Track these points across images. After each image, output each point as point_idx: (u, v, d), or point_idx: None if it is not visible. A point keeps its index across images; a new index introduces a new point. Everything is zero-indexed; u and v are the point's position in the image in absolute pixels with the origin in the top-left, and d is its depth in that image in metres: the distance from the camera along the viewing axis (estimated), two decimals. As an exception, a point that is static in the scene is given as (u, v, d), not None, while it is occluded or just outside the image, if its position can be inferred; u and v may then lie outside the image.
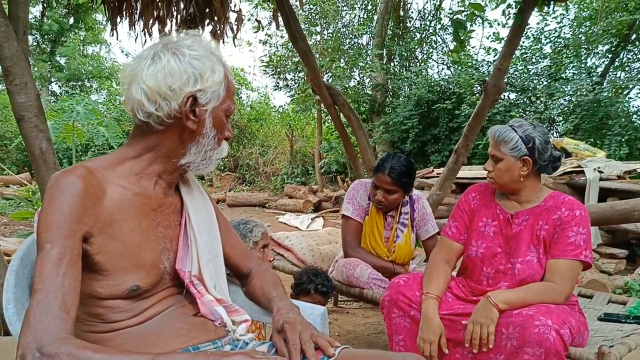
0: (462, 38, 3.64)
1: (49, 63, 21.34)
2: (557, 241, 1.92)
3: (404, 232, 2.83)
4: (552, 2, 3.47)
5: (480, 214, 2.13)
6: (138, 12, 3.68)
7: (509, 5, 10.59)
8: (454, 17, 3.53)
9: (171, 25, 3.79)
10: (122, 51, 22.60)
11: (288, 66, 13.21)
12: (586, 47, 11.15)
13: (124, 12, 3.66)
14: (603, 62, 11.32)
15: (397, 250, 2.82)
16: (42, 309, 0.98)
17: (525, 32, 11.39)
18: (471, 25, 3.59)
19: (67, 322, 0.99)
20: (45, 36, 21.23)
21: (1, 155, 16.22)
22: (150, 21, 3.66)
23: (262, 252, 2.24)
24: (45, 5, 3.55)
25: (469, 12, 3.60)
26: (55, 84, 22.81)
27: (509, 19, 11.43)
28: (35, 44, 21.11)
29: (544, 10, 10.51)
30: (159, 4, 3.66)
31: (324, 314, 1.51)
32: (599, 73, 10.55)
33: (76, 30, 22.25)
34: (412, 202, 2.89)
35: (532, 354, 1.65)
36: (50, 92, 22.03)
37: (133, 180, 1.22)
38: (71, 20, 21.09)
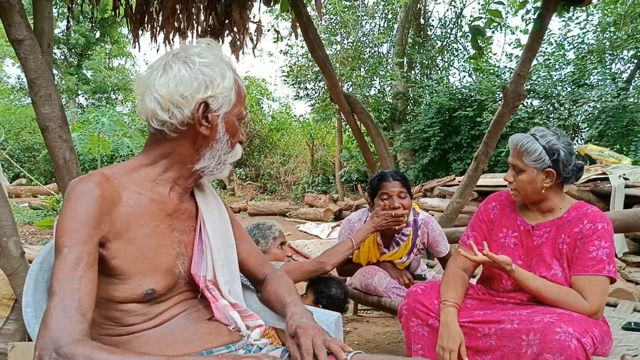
0: (480, 45, 3.63)
1: (76, 76, 21.88)
2: (578, 256, 1.86)
3: (394, 249, 2.77)
4: (571, 7, 3.43)
5: (500, 225, 2.08)
6: (159, 24, 3.76)
7: (528, 11, 10.52)
8: (472, 24, 3.52)
9: (192, 37, 3.86)
10: (147, 63, 22.99)
11: (308, 76, 13.29)
12: (610, 52, 10.96)
13: (146, 25, 3.73)
14: (628, 67, 11.12)
15: (382, 258, 2.80)
16: (59, 311, 1.00)
17: (547, 38, 11.27)
18: (493, 32, 3.58)
19: (83, 324, 1.01)
20: (73, 50, 21.79)
21: (30, 167, 16.63)
22: (171, 33, 3.73)
23: (281, 248, 2.26)
24: (69, 19, 3.65)
25: (487, 19, 3.59)
26: (82, 96, 23.37)
27: (528, 24, 11.34)
28: (62, 57, 21.67)
29: (566, 16, 10.38)
30: (180, 16, 3.73)
31: (338, 320, 1.51)
32: (624, 79, 10.35)
33: (102, 44, 22.79)
34: (415, 225, 2.78)
35: None
36: (77, 105, 22.55)
37: (149, 187, 1.24)
38: (97, 34, 21.61)
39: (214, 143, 1.25)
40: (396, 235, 2.77)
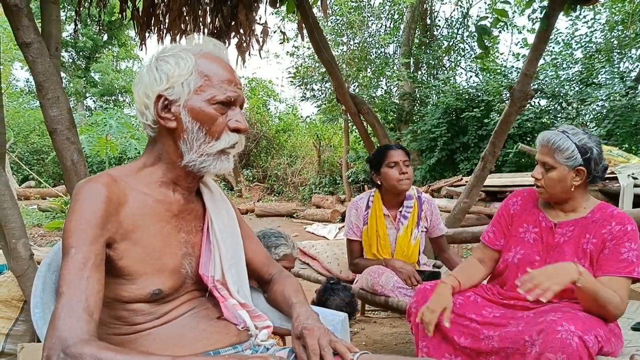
0: (487, 44, 3.62)
1: (84, 79, 22.02)
2: (608, 257, 1.84)
3: (404, 224, 2.86)
4: (578, 6, 3.41)
5: (520, 220, 2.07)
6: (166, 27, 3.77)
7: (535, 10, 10.48)
8: (478, 24, 3.51)
9: (198, 39, 3.86)
10: (154, 66, 23.09)
11: (315, 77, 13.31)
12: (619, 51, 10.90)
13: (153, 27, 3.75)
14: (637, 66, 11.03)
15: (397, 242, 2.84)
16: (66, 311, 1.00)
17: (555, 38, 11.21)
18: (500, 32, 3.57)
19: (90, 324, 1.02)
20: (80, 53, 21.94)
21: (38, 169, 16.74)
22: (178, 35, 3.74)
23: None
24: (77, 22, 3.68)
25: (493, 18, 3.58)
26: (90, 99, 23.52)
27: (535, 23, 11.30)
28: (70, 60, 21.83)
29: (573, 15, 10.36)
30: (186, 18, 3.74)
31: (344, 321, 1.50)
32: (633, 77, 10.28)
33: (109, 47, 22.93)
34: (420, 201, 2.93)
35: (554, 359, 1.61)
36: (85, 107, 22.69)
37: (154, 188, 1.25)
38: (105, 37, 21.75)
39: (184, 135, 1.22)
40: (401, 208, 2.87)
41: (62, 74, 2.71)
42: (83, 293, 1.03)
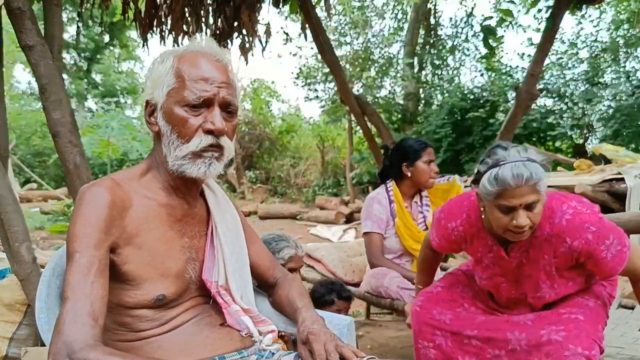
0: (492, 44, 3.60)
1: (86, 80, 22.07)
2: (601, 269, 1.67)
3: (430, 212, 2.89)
4: (584, 5, 3.39)
5: (472, 246, 1.88)
6: (168, 28, 3.76)
7: (540, 10, 10.44)
8: (483, 24, 3.49)
9: (200, 40, 3.85)
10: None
11: (318, 77, 13.29)
12: (624, 50, 10.85)
13: (155, 29, 3.74)
14: (643, 65, 11.00)
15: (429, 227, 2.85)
16: (71, 316, 1.00)
17: (560, 37, 11.18)
18: (504, 32, 3.55)
19: (95, 329, 1.01)
20: (82, 54, 22.00)
21: (40, 171, 16.77)
22: (180, 36, 3.73)
23: None
24: (79, 24, 3.70)
25: (498, 18, 3.57)
26: (92, 100, 23.56)
27: (540, 23, 11.26)
28: (72, 62, 21.88)
29: (579, 14, 10.34)
30: (189, 19, 3.73)
31: (350, 325, 1.49)
32: (639, 77, 10.25)
33: (111, 48, 22.97)
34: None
35: None
36: (86, 109, 22.74)
37: (157, 192, 1.24)
38: (106, 38, 21.79)
39: (163, 138, 1.22)
40: (416, 198, 2.94)
41: (64, 76, 2.70)
42: (88, 298, 1.03)
